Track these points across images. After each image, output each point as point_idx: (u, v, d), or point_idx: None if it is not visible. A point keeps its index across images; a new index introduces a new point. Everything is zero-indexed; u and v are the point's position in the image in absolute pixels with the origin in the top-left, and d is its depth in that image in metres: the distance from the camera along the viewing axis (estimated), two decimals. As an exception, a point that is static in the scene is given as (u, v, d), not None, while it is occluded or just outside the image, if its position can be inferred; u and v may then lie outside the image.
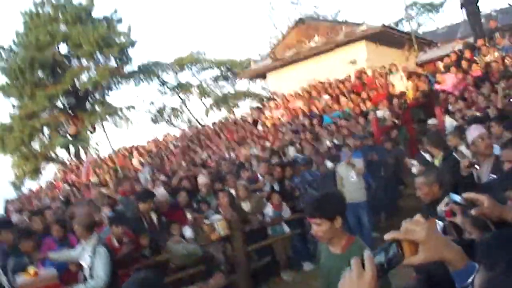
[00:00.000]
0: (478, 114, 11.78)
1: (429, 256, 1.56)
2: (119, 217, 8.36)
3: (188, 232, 8.93)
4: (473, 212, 2.37)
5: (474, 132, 6.06)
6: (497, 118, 8.60)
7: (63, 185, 23.55)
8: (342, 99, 18.36)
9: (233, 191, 10.57)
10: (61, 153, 39.47)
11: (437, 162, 7.71)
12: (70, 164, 30.61)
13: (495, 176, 5.32)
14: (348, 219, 10.94)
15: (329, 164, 12.10)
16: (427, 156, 9.24)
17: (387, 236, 1.58)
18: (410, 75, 18.20)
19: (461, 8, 21.54)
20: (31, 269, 6.42)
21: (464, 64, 16.57)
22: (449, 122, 12.74)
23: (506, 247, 1.48)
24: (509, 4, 29.40)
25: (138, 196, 9.44)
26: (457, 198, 2.70)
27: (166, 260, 8.05)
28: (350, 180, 10.79)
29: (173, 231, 8.74)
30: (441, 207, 3.77)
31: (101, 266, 6.26)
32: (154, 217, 8.89)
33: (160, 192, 10.02)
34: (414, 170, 8.72)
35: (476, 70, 15.69)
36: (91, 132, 39.04)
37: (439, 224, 2.94)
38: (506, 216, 2.74)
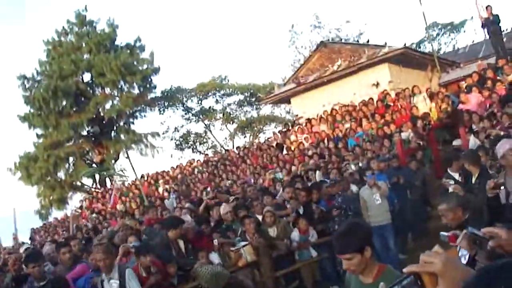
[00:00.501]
0: (502, 133, 11.68)
1: None
2: (146, 246, 8.36)
3: (215, 258, 8.95)
4: (490, 243, 2.37)
5: (505, 145, 6.01)
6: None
7: (89, 214, 23.71)
8: (365, 122, 18.32)
9: (259, 217, 10.58)
10: (87, 181, 39.76)
11: (474, 180, 7.69)
12: (96, 192, 30.76)
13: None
14: (373, 242, 10.92)
15: (354, 188, 12.08)
16: (456, 176, 9.21)
17: (406, 270, 1.59)
18: (432, 96, 18.14)
19: (482, 28, 21.47)
20: None
21: (487, 83, 16.48)
22: (473, 142, 12.66)
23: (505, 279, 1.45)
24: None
25: (168, 223, 9.47)
26: (475, 231, 2.71)
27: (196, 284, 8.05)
28: (375, 203, 10.77)
29: (200, 258, 8.74)
30: (444, 233, 3.74)
31: (135, 284, 6.43)
32: (181, 244, 8.91)
33: (186, 219, 10.07)
34: (451, 189, 8.66)
35: (501, 89, 15.59)
36: (115, 160, 39.26)
37: (463, 254, 2.94)
38: None
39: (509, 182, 5.81)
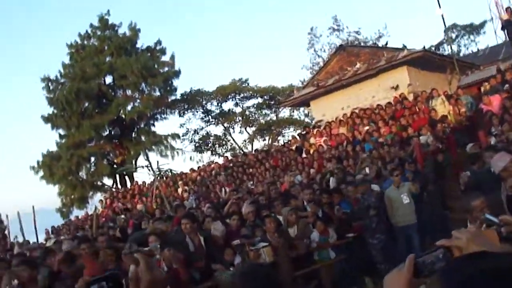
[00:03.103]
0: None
1: None
2: (167, 241, 8.48)
3: (237, 258, 9.13)
4: (503, 229, 2.56)
5: (505, 157, 6.19)
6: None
7: (111, 213, 23.92)
8: (383, 126, 18.38)
9: (279, 217, 10.73)
10: (107, 181, 40.18)
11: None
12: (117, 192, 31.04)
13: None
14: (398, 241, 11.07)
15: (376, 187, 12.23)
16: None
17: (438, 243, 1.74)
18: (451, 99, 18.15)
19: (502, 30, 21.46)
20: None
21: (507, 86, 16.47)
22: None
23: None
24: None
25: (186, 215, 9.71)
26: (492, 217, 2.88)
27: (216, 285, 8.23)
28: (403, 202, 10.99)
29: (226, 256, 9.00)
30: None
31: None
32: (202, 240, 9.03)
33: (217, 226, 10.21)
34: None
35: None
36: (135, 161, 39.57)
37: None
38: None
39: None
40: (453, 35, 47.26)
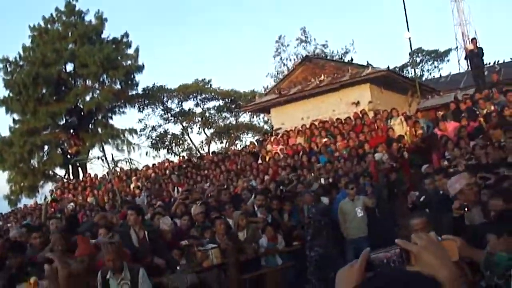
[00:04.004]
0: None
1: (422, 270, 1.66)
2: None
3: (183, 259, 9.08)
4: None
5: (461, 180, 6.31)
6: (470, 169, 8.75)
7: (64, 203, 23.54)
8: (340, 140, 18.54)
9: (229, 220, 10.72)
10: (60, 171, 39.59)
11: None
12: (68, 183, 30.57)
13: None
14: (347, 255, 11.14)
15: (325, 200, 12.30)
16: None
17: (397, 241, 1.75)
18: (408, 120, 18.38)
19: (466, 59, 21.88)
20: (32, 279, 6.45)
21: (463, 114, 16.77)
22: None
23: None
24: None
25: (132, 206, 9.67)
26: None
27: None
28: (357, 216, 11.12)
29: (175, 256, 8.96)
30: None
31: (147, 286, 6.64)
32: (146, 234, 8.88)
33: (166, 221, 10.12)
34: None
35: (472, 123, 15.89)
36: (88, 153, 39.00)
37: None
38: (475, 257, 2.98)
39: (469, 216, 6.04)
40: (418, 59, 47.94)
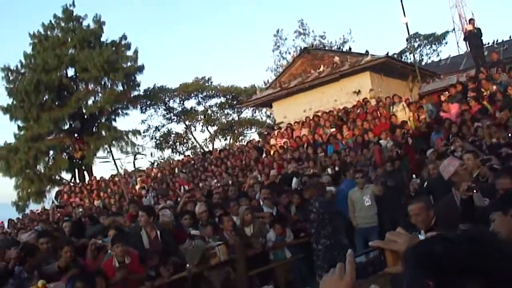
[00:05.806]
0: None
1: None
2: (119, 236, 8.35)
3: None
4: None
5: (454, 162, 6.29)
6: (472, 152, 8.63)
7: (71, 208, 23.57)
8: (346, 130, 18.48)
9: (234, 218, 10.69)
10: (66, 176, 39.65)
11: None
12: (75, 187, 30.63)
13: (488, 200, 5.44)
14: (356, 243, 11.10)
15: (332, 189, 12.29)
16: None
17: (372, 243, 1.71)
18: (411, 106, 18.30)
19: (464, 41, 21.77)
20: (40, 283, 6.48)
21: (470, 94, 16.64)
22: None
23: None
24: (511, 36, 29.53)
25: (142, 208, 9.66)
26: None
27: (181, 278, 8.24)
28: (365, 205, 11.07)
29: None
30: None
31: None
32: (158, 234, 8.86)
33: (165, 213, 10.11)
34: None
35: (475, 105, 15.74)
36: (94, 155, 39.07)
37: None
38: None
39: (477, 198, 5.98)
40: (416, 44, 47.67)
